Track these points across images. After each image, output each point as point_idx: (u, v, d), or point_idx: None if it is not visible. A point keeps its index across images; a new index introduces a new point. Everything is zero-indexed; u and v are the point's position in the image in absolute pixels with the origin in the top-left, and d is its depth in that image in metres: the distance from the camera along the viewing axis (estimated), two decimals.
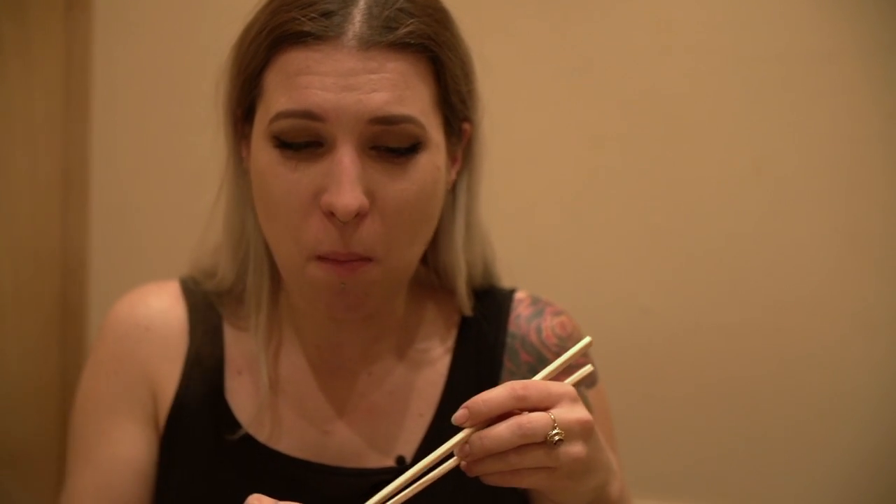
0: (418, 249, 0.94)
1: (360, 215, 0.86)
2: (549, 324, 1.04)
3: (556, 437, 0.75)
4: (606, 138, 1.60)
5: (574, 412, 0.77)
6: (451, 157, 0.97)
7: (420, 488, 0.76)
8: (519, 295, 1.07)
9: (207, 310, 1.04)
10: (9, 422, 1.60)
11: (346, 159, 0.85)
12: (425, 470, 0.76)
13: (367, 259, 0.88)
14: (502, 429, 0.75)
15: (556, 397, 0.77)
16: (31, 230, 1.65)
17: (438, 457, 0.76)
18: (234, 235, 1.01)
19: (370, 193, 0.87)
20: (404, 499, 0.76)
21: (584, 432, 0.78)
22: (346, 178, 0.85)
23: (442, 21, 0.91)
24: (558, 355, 1.01)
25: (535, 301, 1.06)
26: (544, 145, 1.62)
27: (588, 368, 0.83)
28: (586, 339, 0.81)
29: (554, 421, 0.75)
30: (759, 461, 1.57)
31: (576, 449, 0.77)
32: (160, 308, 1.03)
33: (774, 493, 1.56)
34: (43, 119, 1.67)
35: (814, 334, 1.54)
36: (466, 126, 0.98)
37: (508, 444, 0.75)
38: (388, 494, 0.76)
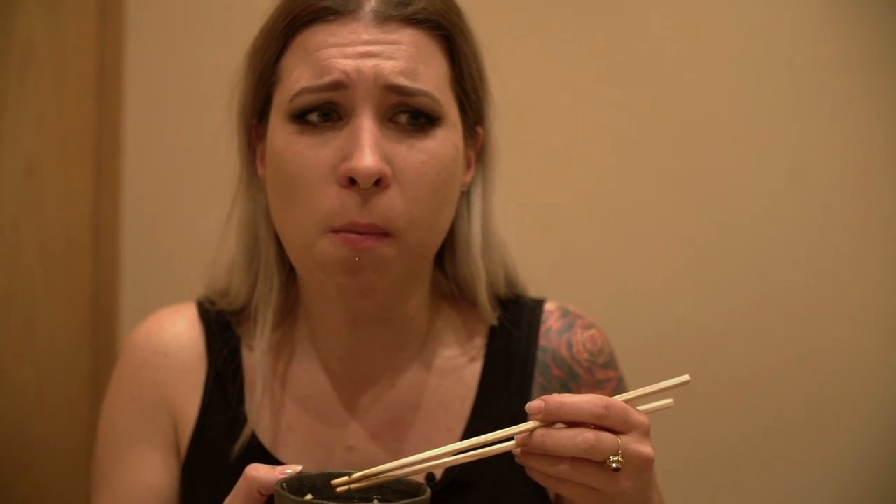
0: (437, 231, 0.93)
1: (381, 184, 0.87)
2: (580, 338, 1.02)
3: (615, 465, 0.75)
4: (639, 146, 1.59)
5: (641, 446, 0.77)
6: (466, 160, 0.97)
7: (470, 459, 0.76)
8: (548, 307, 1.05)
9: (225, 331, 1.03)
10: (39, 421, 1.61)
11: (367, 125, 0.87)
12: (480, 444, 0.76)
13: (385, 234, 0.87)
14: (568, 437, 0.74)
15: (631, 426, 0.77)
16: (62, 234, 1.66)
17: (500, 437, 0.76)
18: (247, 251, 1.00)
19: (390, 162, 0.87)
20: (452, 464, 0.77)
21: (642, 468, 0.77)
22: (367, 143, 0.86)
23: (453, 8, 0.95)
24: (589, 371, 1.01)
25: (565, 313, 1.05)
26: (576, 153, 1.61)
27: (668, 402, 0.81)
28: (685, 377, 0.79)
29: (619, 448, 0.75)
30: (804, 468, 1.55)
31: (627, 482, 0.77)
32: (177, 333, 1.03)
33: None
34: (76, 124, 1.68)
35: (853, 343, 1.52)
36: (480, 130, 0.99)
37: (568, 453, 0.75)
38: (439, 455, 0.76)
